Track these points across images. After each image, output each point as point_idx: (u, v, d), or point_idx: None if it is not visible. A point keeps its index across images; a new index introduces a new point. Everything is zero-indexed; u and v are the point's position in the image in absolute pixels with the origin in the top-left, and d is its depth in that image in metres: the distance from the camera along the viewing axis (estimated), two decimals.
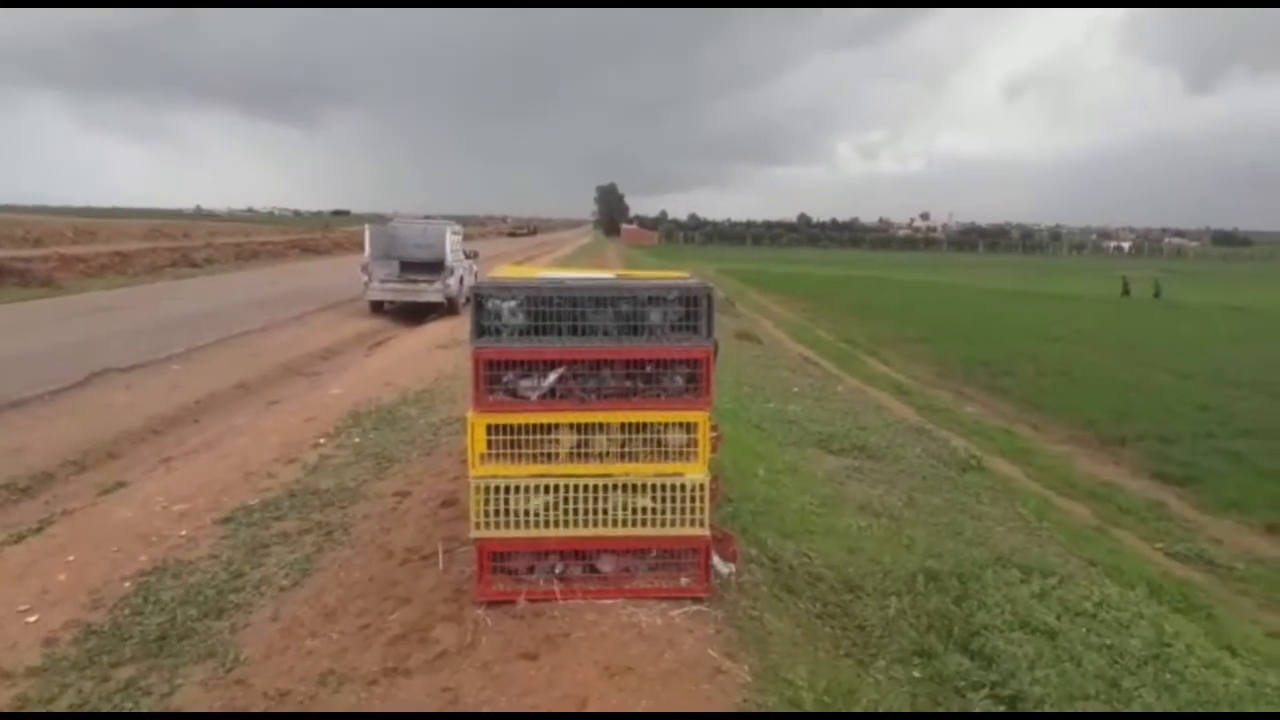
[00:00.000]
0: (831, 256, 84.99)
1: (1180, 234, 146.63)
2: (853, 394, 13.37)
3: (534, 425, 3.53)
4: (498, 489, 3.51)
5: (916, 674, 3.62)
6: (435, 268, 17.73)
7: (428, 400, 8.43)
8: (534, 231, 78.07)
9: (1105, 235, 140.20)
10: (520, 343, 3.55)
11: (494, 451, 3.51)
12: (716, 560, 3.89)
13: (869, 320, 25.45)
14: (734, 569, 4.01)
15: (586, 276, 4.19)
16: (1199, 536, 8.16)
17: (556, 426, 3.55)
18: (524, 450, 3.50)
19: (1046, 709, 3.43)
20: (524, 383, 3.58)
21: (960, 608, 4.26)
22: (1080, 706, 3.48)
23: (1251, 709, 3.93)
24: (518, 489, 3.52)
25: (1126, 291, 38.94)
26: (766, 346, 17.53)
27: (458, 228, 19.51)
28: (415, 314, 17.36)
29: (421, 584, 4.03)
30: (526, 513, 3.53)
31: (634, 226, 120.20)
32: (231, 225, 52.98)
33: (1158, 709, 3.58)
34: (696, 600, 3.57)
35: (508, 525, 3.52)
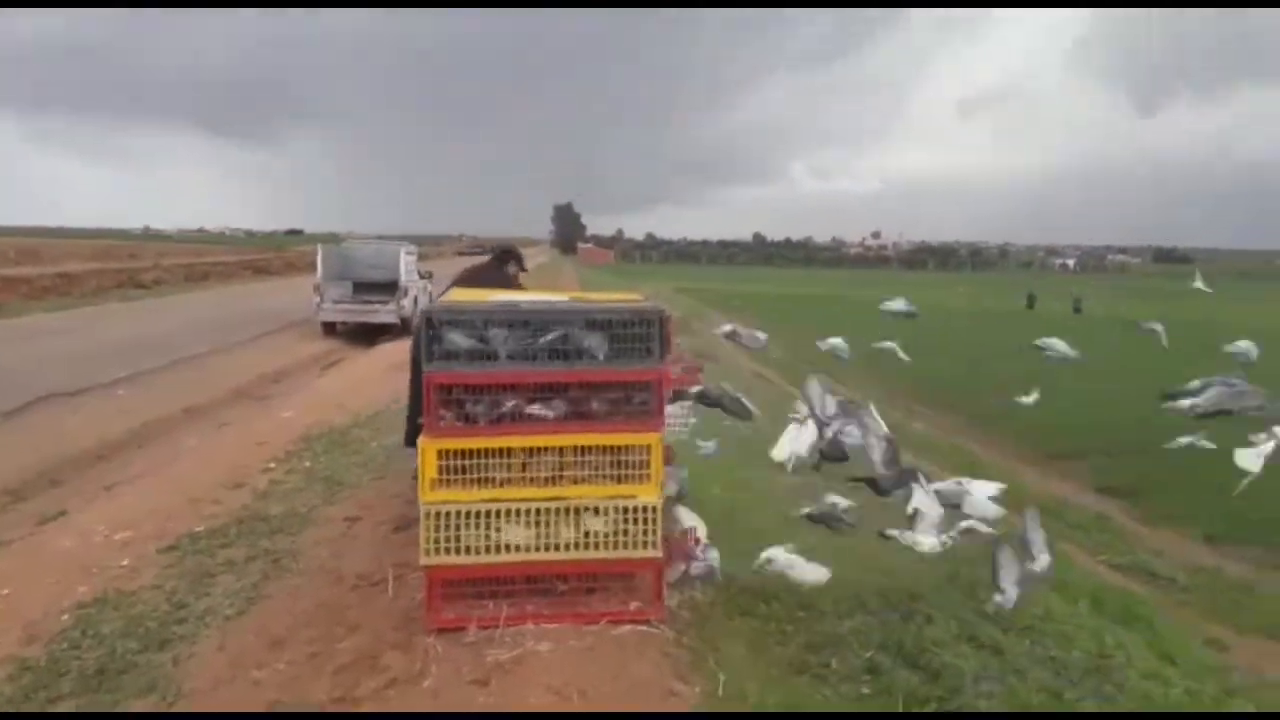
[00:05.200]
0: (786, 275, 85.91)
1: (1124, 251, 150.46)
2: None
3: (486, 450, 3.54)
4: (449, 514, 3.50)
5: (865, 690, 3.67)
6: (389, 288, 17.62)
7: (380, 422, 8.35)
8: (486, 251, 76.74)
9: (1052, 253, 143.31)
10: (473, 367, 3.55)
11: (445, 477, 3.51)
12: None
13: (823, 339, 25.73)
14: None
15: (539, 299, 4.21)
16: (1141, 549, 8.37)
17: (510, 451, 3.56)
18: (475, 475, 3.50)
19: None
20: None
21: (909, 624, 4.33)
22: None
23: None
24: (470, 514, 3.51)
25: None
26: (722, 365, 17.62)
27: (412, 248, 19.44)
28: (368, 335, 17.20)
29: (372, 611, 3.99)
30: (479, 539, 3.52)
31: (590, 245, 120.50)
32: (181, 246, 52.00)
33: None
34: (649, 622, 3.59)
35: (459, 551, 3.50)
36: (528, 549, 3.53)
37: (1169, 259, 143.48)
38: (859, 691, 3.66)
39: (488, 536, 3.52)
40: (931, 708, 3.58)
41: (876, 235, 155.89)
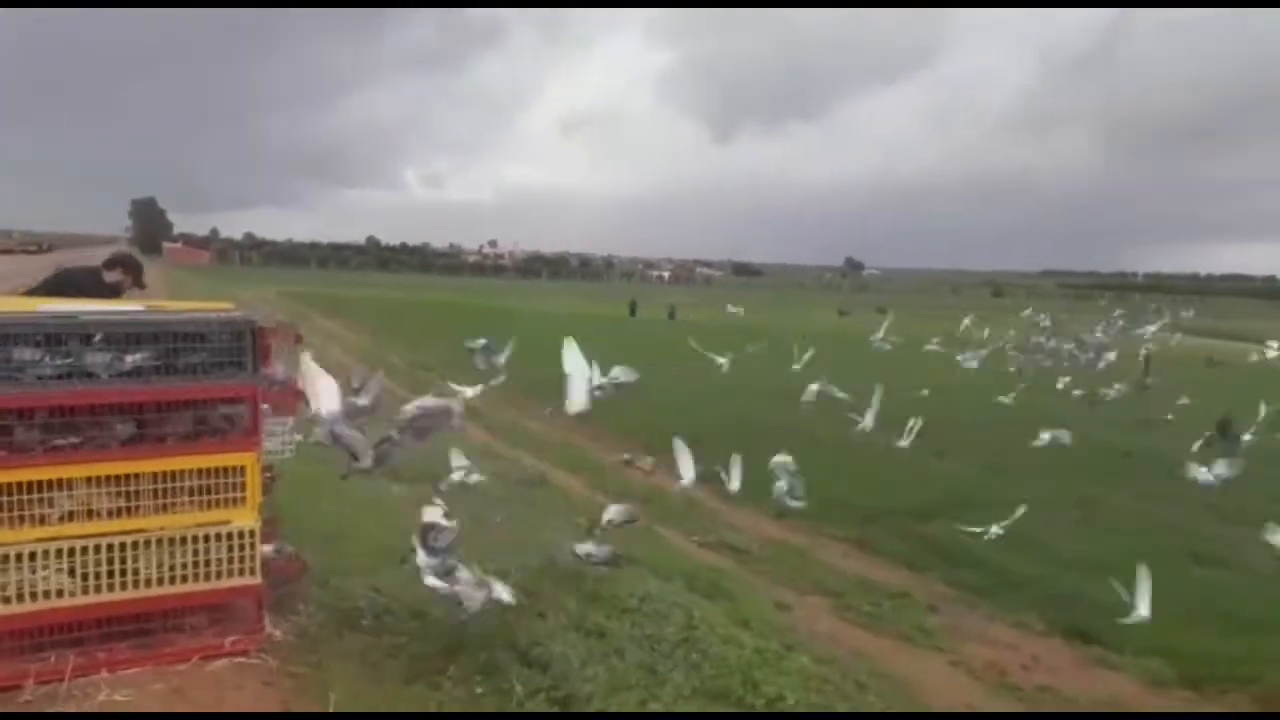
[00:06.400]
0: (403, 281, 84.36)
1: (708, 264, 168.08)
2: None
3: (39, 482, 3.05)
4: None
5: (480, 690, 3.76)
6: None
7: None
8: (47, 249, 64.55)
9: (649, 265, 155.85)
10: (12, 389, 3.04)
11: None
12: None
13: (441, 344, 25.69)
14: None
15: (108, 309, 3.74)
16: (723, 527, 9.45)
17: (70, 482, 3.12)
18: (24, 511, 3.01)
19: (595, 705, 3.76)
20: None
21: (522, 620, 4.50)
22: (623, 696, 3.86)
23: (757, 674, 4.61)
24: (18, 557, 3.01)
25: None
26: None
27: None
28: None
29: None
30: (31, 583, 3.03)
31: (179, 245, 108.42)
32: None
33: (686, 688, 4.10)
34: (247, 653, 3.35)
35: (4, 600, 2.99)
36: (98, 589, 3.11)
37: (746, 271, 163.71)
38: (474, 692, 3.73)
39: (45, 580, 3.05)
40: (542, 698, 3.77)
41: (493, 244, 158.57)
